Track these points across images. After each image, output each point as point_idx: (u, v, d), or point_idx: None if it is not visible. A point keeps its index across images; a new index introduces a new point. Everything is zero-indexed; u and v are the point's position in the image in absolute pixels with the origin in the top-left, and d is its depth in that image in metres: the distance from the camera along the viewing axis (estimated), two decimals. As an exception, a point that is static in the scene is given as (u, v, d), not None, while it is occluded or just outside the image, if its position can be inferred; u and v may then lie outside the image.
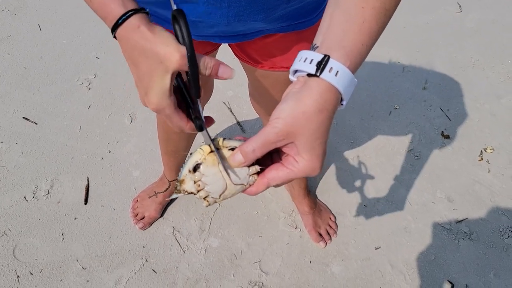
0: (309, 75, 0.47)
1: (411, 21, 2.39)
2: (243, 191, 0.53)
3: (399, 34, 2.31)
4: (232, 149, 0.52)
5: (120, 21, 0.50)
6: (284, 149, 0.50)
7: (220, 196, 0.52)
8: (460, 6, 2.48)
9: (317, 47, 0.49)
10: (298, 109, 0.46)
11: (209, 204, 0.53)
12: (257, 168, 0.51)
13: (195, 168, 0.52)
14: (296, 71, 0.50)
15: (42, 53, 2.13)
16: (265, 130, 0.48)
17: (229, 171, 0.51)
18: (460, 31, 2.35)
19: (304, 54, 0.49)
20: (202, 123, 0.53)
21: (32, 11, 2.36)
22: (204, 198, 0.52)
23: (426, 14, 2.43)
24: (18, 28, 2.27)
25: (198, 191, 0.52)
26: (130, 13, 0.50)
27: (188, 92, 0.54)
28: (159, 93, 0.50)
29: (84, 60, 2.11)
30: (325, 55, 0.47)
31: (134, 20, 0.50)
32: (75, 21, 2.30)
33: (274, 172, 0.50)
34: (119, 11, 0.50)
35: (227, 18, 0.69)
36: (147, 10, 0.53)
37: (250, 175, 0.52)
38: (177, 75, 0.54)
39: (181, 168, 0.53)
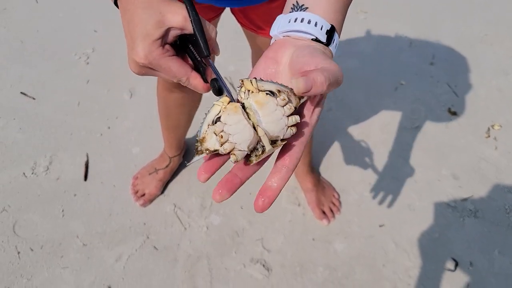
0: (317, 40, 0.46)
1: (418, -6, 2.32)
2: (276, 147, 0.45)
3: (406, 8, 2.24)
4: (270, 93, 0.44)
5: None
6: None
7: (248, 147, 0.44)
8: (469, -21, 2.41)
9: (307, 8, 0.47)
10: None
11: (237, 159, 0.44)
12: (297, 118, 0.44)
13: (215, 122, 0.45)
14: (290, 31, 0.48)
15: (38, 27, 2.08)
16: (334, 68, 0.42)
17: (261, 119, 0.44)
18: (469, 5, 2.28)
19: (302, 15, 0.47)
20: (221, 84, 0.49)
21: (27, -17, 2.30)
22: (230, 152, 0.44)
23: (434, -13, 2.36)
24: (14, 1, 2.21)
25: (221, 144, 0.43)
26: None
27: (198, 54, 0.50)
28: (147, 39, 0.47)
29: (82, 34, 2.05)
30: (332, 26, 0.47)
31: None
32: None
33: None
34: None
35: None
36: None
37: (288, 127, 0.44)
38: (182, 41, 0.51)
39: (199, 129, 0.45)
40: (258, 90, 0.44)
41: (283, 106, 0.44)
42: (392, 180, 1.62)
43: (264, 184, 0.44)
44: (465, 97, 1.86)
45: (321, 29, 0.46)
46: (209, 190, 1.56)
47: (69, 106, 1.77)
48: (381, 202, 1.56)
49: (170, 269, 1.39)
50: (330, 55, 0.47)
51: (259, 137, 0.44)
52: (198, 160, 0.45)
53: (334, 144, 1.71)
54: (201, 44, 0.48)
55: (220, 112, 0.44)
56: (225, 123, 0.43)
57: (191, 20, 0.48)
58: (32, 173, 1.58)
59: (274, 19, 0.83)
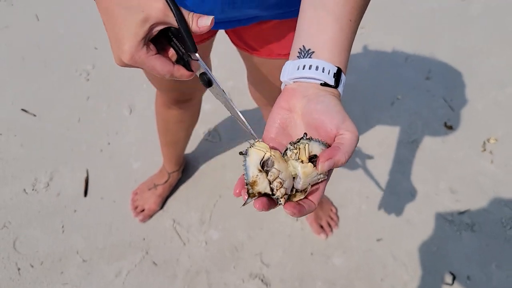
0: (326, 84, 0.50)
1: (414, 9, 2.35)
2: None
3: (402, 23, 2.28)
4: (313, 156, 0.48)
5: None
6: None
7: (290, 191, 0.48)
8: (464, -6, 2.44)
9: (313, 52, 0.50)
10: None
11: (285, 202, 0.47)
12: (325, 176, 0.50)
13: (263, 166, 0.47)
14: (299, 78, 0.51)
15: (39, 43, 2.11)
16: (351, 140, 0.48)
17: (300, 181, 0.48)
18: (464, 19, 2.31)
19: (310, 62, 0.50)
20: (210, 77, 0.52)
21: (29, 1, 2.33)
22: (283, 196, 0.46)
23: (430, 3, 2.39)
24: (16, 18, 2.24)
25: (277, 189, 0.46)
26: None
27: (184, 49, 0.52)
28: (133, 40, 0.48)
29: (82, 51, 2.08)
30: (338, 68, 0.50)
31: None
32: (72, 11, 2.27)
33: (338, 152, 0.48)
34: None
35: (221, 5, 0.68)
36: None
37: (320, 174, 0.49)
38: (167, 35, 0.52)
39: (244, 171, 0.47)
40: (308, 159, 0.47)
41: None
42: (389, 194, 1.63)
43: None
44: (461, 111, 1.88)
45: (328, 73, 0.49)
46: (208, 205, 1.57)
47: (69, 122, 1.80)
48: (379, 216, 1.57)
49: (169, 284, 1.40)
50: (338, 96, 0.51)
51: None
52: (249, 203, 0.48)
53: (332, 158, 1.72)
54: (187, 41, 0.50)
55: (264, 157, 0.47)
56: (280, 171, 0.46)
57: (174, 16, 0.49)
58: (33, 189, 1.59)
59: (266, 40, 0.85)
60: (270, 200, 0.47)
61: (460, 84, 1.99)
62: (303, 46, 0.51)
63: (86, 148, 1.71)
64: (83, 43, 2.11)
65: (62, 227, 1.51)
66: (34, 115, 1.81)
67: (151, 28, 0.49)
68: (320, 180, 0.49)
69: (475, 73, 2.03)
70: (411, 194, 1.63)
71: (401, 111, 1.89)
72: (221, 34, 0.99)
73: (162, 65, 0.51)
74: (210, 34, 0.94)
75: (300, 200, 0.49)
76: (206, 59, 1.06)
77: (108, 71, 1.99)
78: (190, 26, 0.50)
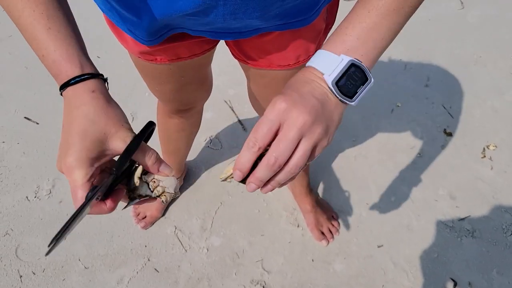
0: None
1: (412, 17, 2.37)
2: None
3: (400, 31, 2.30)
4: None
5: (72, 81, 0.50)
6: None
7: (174, 190, 0.55)
8: (462, 2, 2.47)
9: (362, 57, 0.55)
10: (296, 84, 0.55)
11: (166, 201, 0.55)
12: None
13: (145, 174, 0.54)
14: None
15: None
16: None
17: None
18: (462, 27, 2.34)
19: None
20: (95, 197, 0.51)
21: (32, 10, 2.36)
22: (160, 195, 0.54)
23: (428, 11, 2.42)
24: (19, 28, 2.27)
25: (153, 190, 0.53)
26: (86, 76, 0.51)
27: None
28: (82, 156, 0.48)
29: (85, 60, 2.10)
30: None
31: (90, 84, 0.50)
32: (76, 21, 2.29)
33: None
34: (74, 71, 0.51)
35: (222, 16, 0.69)
36: (105, 77, 0.54)
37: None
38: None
39: (127, 184, 0.54)
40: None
41: None
42: (389, 200, 1.64)
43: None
44: (460, 118, 1.90)
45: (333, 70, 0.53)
46: (210, 212, 1.58)
47: (72, 130, 1.81)
48: (379, 222, 1.58)
49: (171, 291, 1.41)
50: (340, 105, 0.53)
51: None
52: (131, 205, 0.55)
53: (332, 165, 1.73)
54: (118, 160, 0.50)
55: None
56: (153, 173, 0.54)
57: (129, 144, 0.49)
58: (35, 197, 1.60)
59: (266, 51, 0.87)
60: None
61: (459, 91, 2.01)
62: (349, 33, 0.55)
63: (88, 156, 1.73)
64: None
65: (64, 234, 1.51)
66: (37, 123, 1.83)
67: (104, 152, 0.49)
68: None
69: (473, 80, 2.05)
70: (411, 200, 1.64)
71: (401, 118, 1.90)
72: (222, 42, 1.01)
73: (76, 198, 0.50)
74: (212, 44, 0.95)
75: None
76: (207, 69, 1.07)
77: (110, 80, 2.00)
78: (149, 161, 0.51)
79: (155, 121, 1.31)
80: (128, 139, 0.50)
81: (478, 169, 1.73)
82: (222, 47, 1.02)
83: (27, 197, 1.60)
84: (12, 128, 1.81)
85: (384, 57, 2.16)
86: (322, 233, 1.52)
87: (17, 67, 2.06)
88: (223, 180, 0.54)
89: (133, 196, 0.53)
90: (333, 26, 0.93)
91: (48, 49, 0.51)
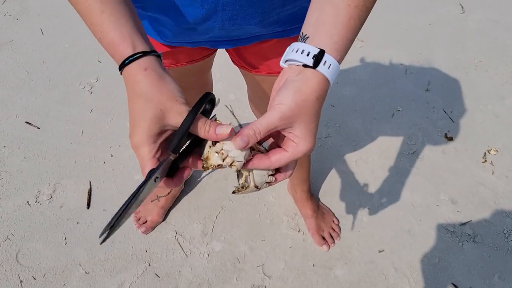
0: (306, 66, 0.52)
1: (413, 22, 2.38)
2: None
3: (401, 36, 2.30)
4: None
5: (127, 61, 0.51)
6: (283, 133, 0.53)
7: (244, 158, 0.53)
8: (462, 7, 2.47)
9: (308, 37, 0.53)
10: (300, 97, 0.50)
11: (237, 169, 0.53)
12: (272, 179, 0.57)
13: (214, 144, 0.54)
14: (287, 60, 0.54)
15: (44, 58, 2.14)
16: (269, 114, 0.50)
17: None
18: (463, 32, 2.34)
19: (299, 45, 0.53)
20: (154, 175, 0.51)
21: (34, 15, 2.37)
22: (231, 165, 0.53)
23: (428, 15, 2.43)
24: (21, 33, 2.27)
25: (223, 159, 0.52)
26: (138, 55, 0.51)
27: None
28: (143, 134, 0.50)
29: (86, 64, 2.11)
30: (321, 50, 0.51)
31: (143, 62, 0.50)
32: (77, 26, 2.30)
33: (278, 156, 0.53)
34: (127, 51, 0.51)
35: (221, 21, 0.69)
36: (159, 53, 0.53)
37: (266, 183, 0.57)
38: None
39: (203, 153, 0.54)
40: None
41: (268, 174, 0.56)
42: (390, 205, 1.63)
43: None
44: (461, 123, 1.90)
45: (307, 55, 0.52)
46: (211, 217, 1.58)
47: (73, 134, 1.81)
48: (380, 227, 1.58)
49: (171, 297, 1.40)
50: (320, 77, 0.52)
51: (248, 173, 0.56)
52: (207, 175, 0.55)
53: (333, 170, 1.73)
54: (173, 140, 0.51)
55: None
56: (223, 143, 0.53)
57: (185, 122, 0.50)
58: (36, 201, 1.60)
59: (266, 57, 0.87)
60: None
61: (460, 95, 2.01)
62: (302, 32, 0.55)
63: (89, 161, 1.73)
64: (87, 56, 2.14)
65: (65, 239, 1.52)
66: (38, 128, 1.83)
67: (165, 127, 0.51)
68: (267, 184, 0.57)
69: (474, 85, 2.05)
70: (412, 205, 1.63)
71: (402, 122, 1.90)
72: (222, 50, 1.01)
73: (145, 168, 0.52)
74: (210, 51, 0.95)
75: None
76: (207, 74, 1.08)
77: (111, 84, 2.01)
78: (205, 132, 0.51)
79: None
80: (184, 113, 0.50)
81: (479, 173, 1.73)
82: (222, 52, 1.02)
83: (28, 202, 1.60)
84: (13, 132, 1.81)
85: (385, 61, 2.16)
86: (323, 238, 1.52)
87: (18, 72, 2.07)
88: (206, 168, 0.54)
89: (206, 166, 0.54)
90: None
91: (103, 32, 0.52)
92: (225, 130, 0.51)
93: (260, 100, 1.09)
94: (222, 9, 0.66)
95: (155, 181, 0.51)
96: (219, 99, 0.61)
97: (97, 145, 1.78)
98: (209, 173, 0.49)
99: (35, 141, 1.79)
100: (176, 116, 0.50)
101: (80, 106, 1.92)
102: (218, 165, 0.53)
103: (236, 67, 0.98)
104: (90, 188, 1.64)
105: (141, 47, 0.52)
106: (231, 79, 2.00)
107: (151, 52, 0.52)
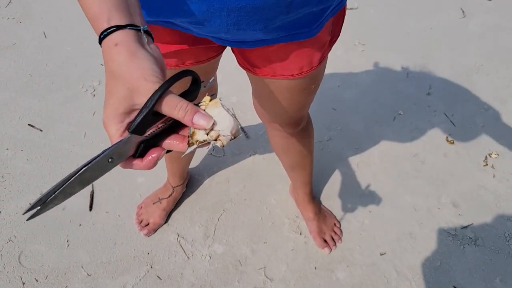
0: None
1: (414, 26, 2.39)
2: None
3: (402, 40, 2.31)
4: None
5: (102, 36, 0.48)
6: None
7: (231, 132, 0.51)
8: (463, 11, 2.48)
9: None
10: None
11: (223, 144, 0.51)
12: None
13: None
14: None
15: (47, 61, 2.15)
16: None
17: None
18: (464, 36, 2.35)
19: None
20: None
21: (37, 18, 2.38)
22: (217, 139, 0.50)
23: (430, 20, 2.44)
24: (23, 36, 2.29)
25: (207, 134, 0.50)
26: (112, 29, 0.48)
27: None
28: (110, 113, 0.48)
29: (89, 67, 2.12)
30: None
31: (115, 36, 0.48)
32: (79, 28, 2.32)
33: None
34: (102, 26, 0.48)
35: (226, 26, 0.70)
36: (143, 27, 0.50)
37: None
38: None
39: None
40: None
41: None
42: (392, 208, 1.64)
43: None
44: (462, 126, 1.90)
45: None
46: (213, 219, 1.58)
47: (75, 137, 1.82)
48: (382, 230, 1.58)
49: (173, 299, 1.40)
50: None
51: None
52: (191, 151, 0.51)
53: (335, 173, 1.74)
54: (134, 119, 0.48)
55: (204, 109, 0.50)
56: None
57: (151, 100, 0.46)
58: (39, 203, 1.60)
59: (270, 61, 0.88)
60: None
61: (461, 99, 2.02)
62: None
63: (91, 163, 1.73)
64: (90, 59, 2.15)
65: (67, 241, 1.52)
66: (41, 130, 1.84)
67: (133, 107, 0.48)
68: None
69: (475, 89, 2.06)
70: (414, 208, 1.64)
71: (403, 126, 1.91)
72: (227, 50, 1.02)
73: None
74: (218, 51, 0.96)
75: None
76: (212, 75, 1.08)
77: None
78: (181, 117, 0.48)
79: None
80: (151, 93, 0.46)
81: (481, 177, 1.73)
82: (226, 54, 1.03)
83: (30, 204, 1.60)
84: (16, 135, 1.82)
85: (386, 64, 2.17)
86: (325, 240, 1.52)
87: (21, 74, 2.08)
88: (190, 144, 0.51)
89: (192, 142, 0.50)
90: (338, 39, 0.94)
91: (87, 7, 0.50)
92: (203, 123, 0.48)
93: (263, 102, 1.09)
94: (227, 15, 0.67)
95: (109, 161, 0.48)
96: (213, 79, 0.59)
97: (100, 148, 1.78)
98: (194, 149, 0.46)
99: (38, 144, 1.79)
100: (142, 97, 0.46)
101: (82, 109, 1.93)
102: (203, 141, 0.50)
103: (239, 70, 0.99)
104: (93, 191, 1.65)
105: (116, 20, 0.48)
106: (233, 81, 2.01)
107: (127, 26, 0.48)
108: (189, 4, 0.66)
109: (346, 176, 1.73)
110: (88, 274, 1.45)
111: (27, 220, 0.47)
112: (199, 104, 0.51)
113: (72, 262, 1.47)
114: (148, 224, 1.54)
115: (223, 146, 0.51)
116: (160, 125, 0.51)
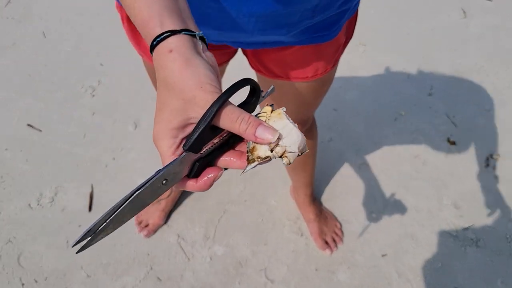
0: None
1: (415, 27, 2.39)
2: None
3: (403, 41, 2.31)
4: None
5: (154, 43, 0.43)
6: None
7: (298, 148, 0.44)
8: (464, 12, 2.48)
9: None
10: None
11: (289, 162, 0.44)
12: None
13: None
14: None
15: (46, 61, 2.14)
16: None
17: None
18: (464, 37, 2.34)
19: None
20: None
21: (36, 18, 2.37)
22: (282, 156, 0.44)
23: (430, 21, 2.43)
24: (23, 36, 2.28)
25: (272, 150, 0.43)
26: (166, 34, 0.43)
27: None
28: (162, 127, 0.43)
29: (88, 67, 2.11)
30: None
31: (169, 42, 0.43)
32: (79, 29, 2.31)
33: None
34: (155, 31, 0.43)
35: (251, 32, 0.69)
36: (198, 33, 0.45)
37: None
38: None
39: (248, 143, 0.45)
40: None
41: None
42: (393, 210, 1.63)
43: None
44: (463, 127, 1.90)
45: None
46: (213, 220, 1.58)
47: (75, 137, 1.81)
48: (383, 231, 1.57)
49: (173, 301, 1.40)
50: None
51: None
52: (252, 169, 0.45)
53: (336, 174, 1.73)
54: (190, 136, 0.43)
55: (265, 121, 0.44)
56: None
57: (207, 114, 0.41)
58: (38, 204, 1.60)
59: (285, 64, 0.87)
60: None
61: (462, 100, 2.01)
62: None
63: (91, 164, 1.73)
64: (89, 60, 2.14)
65: (67, 242, 1.51)
66: (40, 131, 1.83)
67: (188, 120, 0.43)
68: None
69: (476, 90, 2.06)
70: (415, 209, 1.63)
71: (404, 127, 1.90)
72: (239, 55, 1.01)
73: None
74: (230, 56, 0.95)
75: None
76: (219, 80, 1.08)
77: (113, 87, 2.01)
78: (242, 130, 0.42)
79: None
80: (209, 104, 0.41)
81: (482, 178, 1.73)
82: (238, 58, 1.02)
83: (29, 205, 1.60)
84: (15, 135, 1.81)
85: (387, 65, 2.17)
86: (326, 242, 1.51)
87: (20, 74, 2.07)
88: (251, 161, 0.45)
89: (252, 158, 0.44)
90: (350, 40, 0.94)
91: (136, 13, 0.45)
92: (268, 136, 0.42)
93: (275, 104, 1.09)
94: (255, 21, 0.66)
95: (163, 183, 0.43)
96: (273, 87, 0.51)
97: (99, 148, 1.78)
98: (253, 167, 0.43)
99: (37, 144, 1.78)
100: (198, 108, 0.41)
101: (82, 109, 1.92)
102: (266, 157, 0.44)
103: (244, 71, 0.98)
104: (92, 192, 1.64)
105: (170, 25, 0.43)
106: (232, 81, 2.00)
107: (182, 31, 0.43)
108: (218, 12, 0.65)
109: (347, 177, 1.72)
110: (87, 275, 1.44)
111: (76, 253, 0.43)
112: (258, 116, 0.45)
113: (71, 263, 1.46)
114: (147, 225, 1.53)
115: (290, 163, 0.44)
116: (216, 141, 0.46)
